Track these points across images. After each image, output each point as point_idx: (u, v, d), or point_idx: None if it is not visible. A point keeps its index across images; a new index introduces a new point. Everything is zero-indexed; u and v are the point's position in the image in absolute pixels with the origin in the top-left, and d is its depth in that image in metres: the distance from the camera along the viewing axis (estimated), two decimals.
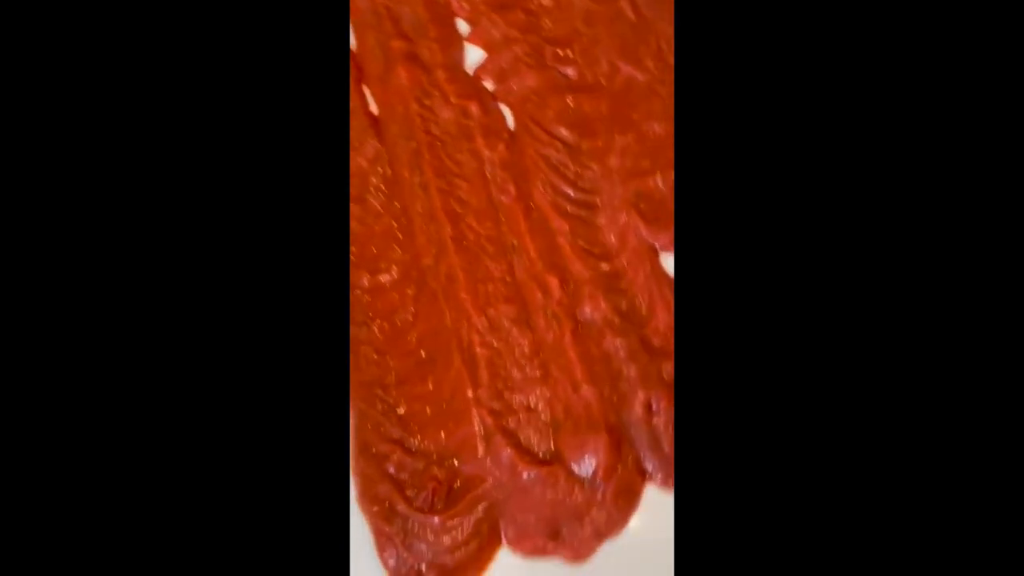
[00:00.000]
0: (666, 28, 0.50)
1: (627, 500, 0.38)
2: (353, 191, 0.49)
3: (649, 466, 0.39)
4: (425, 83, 0.54)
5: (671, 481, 0.39)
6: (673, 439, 0.39)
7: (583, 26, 0.55)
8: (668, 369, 0.41)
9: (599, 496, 0.38)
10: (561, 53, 0.54)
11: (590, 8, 0.56)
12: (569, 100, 0.52)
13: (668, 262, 0.46)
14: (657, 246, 0.46)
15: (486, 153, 0.51)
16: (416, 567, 0.37)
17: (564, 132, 0.51)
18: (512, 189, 0.49)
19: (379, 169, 0.51)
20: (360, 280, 0.46)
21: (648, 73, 0.50)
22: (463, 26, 0.56)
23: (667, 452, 0.39)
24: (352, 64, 0.56)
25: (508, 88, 0.54)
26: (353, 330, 0.44)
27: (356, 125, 0.53)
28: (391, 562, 0.37)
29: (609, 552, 0.37)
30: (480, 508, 0.38)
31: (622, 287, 0.45)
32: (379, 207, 0.49)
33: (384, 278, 0.46)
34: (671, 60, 0.49)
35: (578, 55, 0.54)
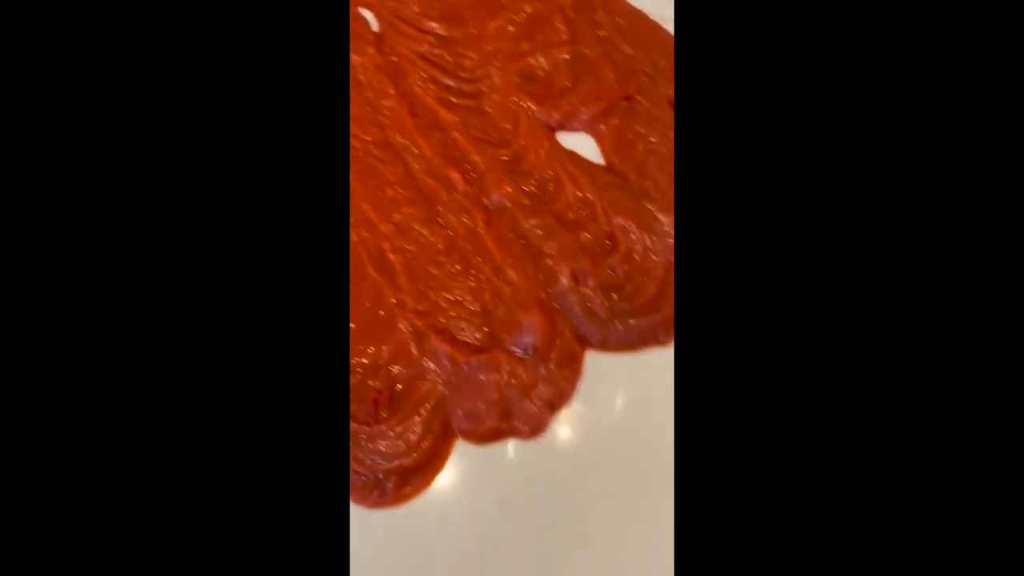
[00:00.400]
0: None
1: (572, 369, 0.39)
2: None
3: (586, 332, 0.39)
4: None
5: (612, 343, 0.39)
6: (603, 304, 0.40)
7: None
8: (586, 237, 0.41)
9: (543, 370, 0.38)
10: None
11: None
12: None
13: (565, 139, 0.45)
14: (551, 124, 0.45)
15: (355, 59, 0.48)
16: (375, 477, 0.36)
17: (433, 25, 0.49)
18: (391, 90, 0.46)
19: None
20: None
21: None
22: None
23: (601, 316, 0.39)
24: None
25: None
26: None
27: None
28: (354, 480, 0.36)
29: (563, 421, 0.38)
30: (427, 407, 0.37)
31: (525, 169, 0.44)
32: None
33: None
34: None
35: None
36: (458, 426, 0.37)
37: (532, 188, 0.43)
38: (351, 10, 0.50)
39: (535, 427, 0.37)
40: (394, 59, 0.48)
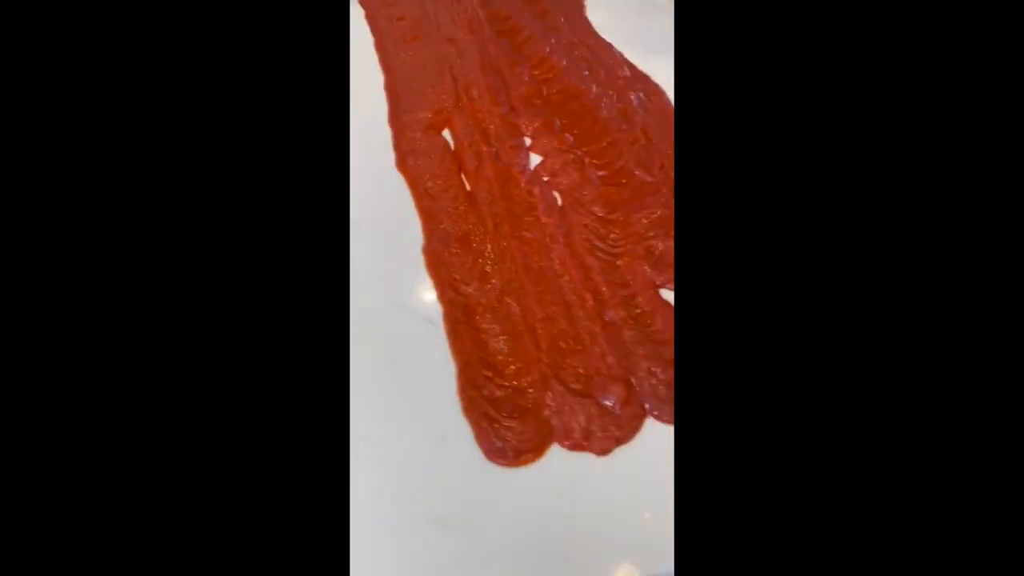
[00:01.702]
0: (667, 148, 0.80)
1: (635, 423, 0.62)
2: (459, 245, 0.76)
3: (648, 405, 0.63)
4: (503, 174, 0.83)
5: (664, 417, 0.63)
6: (665, 392, 0.64)
7: (610, 147, 0.85)
8: (663, 352, 0.66)
9: (617, 418, 0.62)
10: (596, 162, 0.84)
11: (616, 137, 0.86)
12: (600, 191, 0.81)
13: (665, 293, 0.72)
14: (657, 283, 0.73)
15: (543, 219, 0.78)
16: (501, 447, 0.60)
17: (597, 209, 0.79)
18: (561, 241, 0.76)
19: (473, 230, 0.78)
20: (463, 288, 0.71)
21: (654, 176, 0.79)
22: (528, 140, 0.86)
23: (661, 398, 0.63)
24: (452, 158, 0.85)
25: (558, 181, 0.82)
26: (465, 318, 0.69)
27: (456, 199, 0.80)
28: (485, 445, 0.60)
29: (622, 453, 0.61)
30: (542, 419, 0.62)
31: (634, 303, 0.71)
32: (476, 250, 0.75)
33: (470, 289, 0.71)
34: (671, 171, 0.79)
35: (607, 163, 0.84)
36: (556, 435, 0.61)
37: (636, 313, 0.69)
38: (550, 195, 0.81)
39: (602, 451, 0.60)
40: (568, 225, 0.78)
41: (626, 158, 0.84)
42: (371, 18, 1.07)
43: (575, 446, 0.61)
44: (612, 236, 0.77)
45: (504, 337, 0.67)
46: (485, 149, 0.85)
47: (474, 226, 0.77)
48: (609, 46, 1.00)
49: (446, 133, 0.89)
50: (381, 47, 1.01)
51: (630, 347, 0.67)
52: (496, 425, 0.61)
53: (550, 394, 0.63)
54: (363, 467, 0.58)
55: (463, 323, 0.68)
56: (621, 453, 0.61)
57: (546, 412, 0.62)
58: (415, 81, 0.95)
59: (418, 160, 0.84)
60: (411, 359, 0.66)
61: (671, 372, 0.65)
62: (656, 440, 0.62)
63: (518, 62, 0.99)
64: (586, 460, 0.60)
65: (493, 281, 0.72)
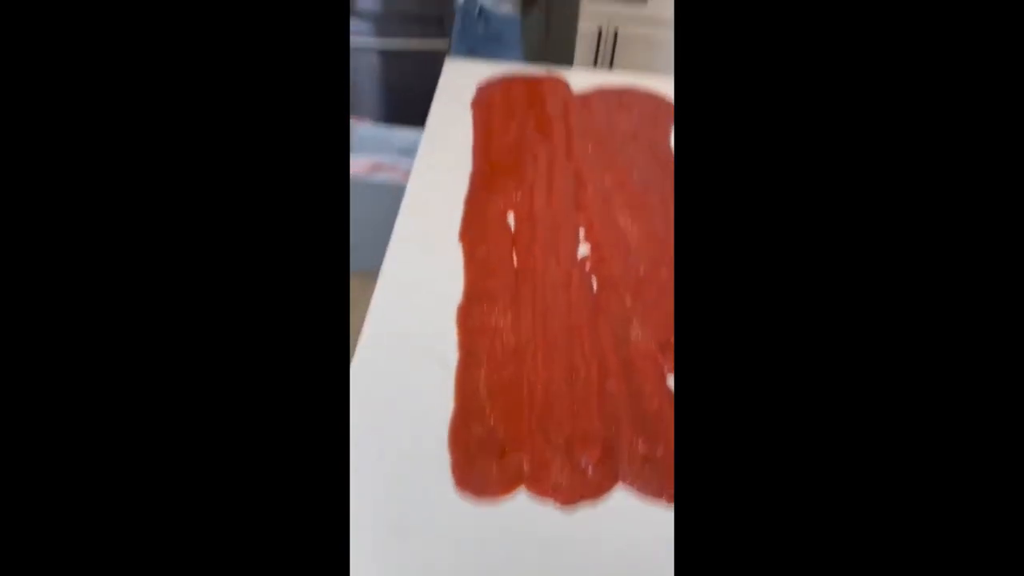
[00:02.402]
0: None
1: (604, 485, 0.64)
2: (489, 304, 0.84)
3: (621, 473, 0.66)
4: (549, 258, 0.91)
5: (634, 486, 0.65)
6: (640, 465, 0.66)
7: (653, 251, 0.91)
8: (652, 428, 0.69)
9: (589, 476, 0.65)
10: (639, 260, 0.90)
11: (664, 242, 0.92)
12: (637, 284, 0.86)
13: (669, 378, 0.75)
14: (666, 368, 0.76)
15: (574, 298, 0.85)
16: (471, 479, 0.64)
17: (628, 299, 0.85)
18: (584, 317, 0.82)
19: (508, 294, 0.86)
20: (483, 341, 0.78)
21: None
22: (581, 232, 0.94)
23: (635, 468, 0.66)
24: (509, 237, 0.95)
25: (599, 269, 0.89)
26: (474, 364, 0.75)
27: (501, 270, 0.89)
28: (457, 475, 0.65)
29: (585, 511, 0.63)
30: (516, 463, 0.66)
31: (637, 380, 0.74)
32: (504, 310, 0.83)
33: (497, 343, 0.78)
34: None
35: (649, 263, 0.90)
36: (526, 481, 0.65)
37: (634, 390, 0.73)
38: (590, 281, 0.88)
39: (567, 502, 0.63)
40: (598, 305, 0.84)
41: (668, 263, 0.90)
42: (476, 114, 1.23)
43: (541, 492, 0.64)
44: (635, 324, 0.82)
45: (504, 388, 0.73)
46: (539, 233, 0.94)
47: (509, 292, 0.85)
48: None
49: (511, 216, 0.99)
50: (478, 141, 1.16)
51: (620, 416, 0.70)
52: (473, 460, 0.66)
53: (531, 443, 0.67)
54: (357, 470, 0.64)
55: (471, 370, 0.74)
56: (585, 512, 0.63)
57: (521, 458, 0.66)
58: (497, 174, 1.07)
59: (477, 233, 0.94)
60: (419, 392, 0.72)
61: (656, 449, 0.67)
62: (622, 509, 0.63)
63: (597, 168, 1.09)
64: (549, 511, 0.63)
65: (509, 339, 0.78)
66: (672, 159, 1.13)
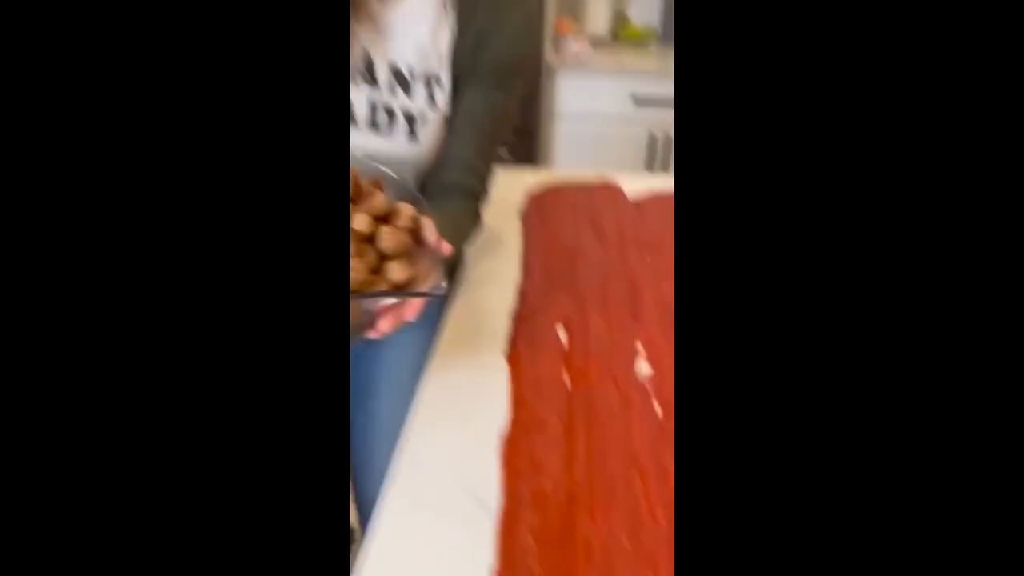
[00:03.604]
0: None
1: None
2: (536, 429, 0.74)
3: None
4: (605, 379, 0.81)
5: None
6: None
7: None
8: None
9: None
10: None
11: None
12: None
13: None
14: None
15: (635, 425, 0.74)
16: None
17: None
18: (647, 451, 0.71)
19: (560, 423, 0.76)
20: (530, 481, 0.68)
21: None
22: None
23: None
24: (562, 357, 0.86)
25: (663, 392, 0.79)
26: (520, 510, 0.65)
27: (558, 400, 0.80)
28: None
29: None
30: None
31: None
32: (556, 441, 0.73)
33: (547, 483, 0.68)
34: None
35: None
36: None
37: None
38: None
39: None
40: (663, 434, 0.73)
41: None
42: (525, 225, 1.18)
43: None
44: None
45: (556, 540, 0.62)
46: (593, 349, 0.85)
47: (560, 420, 0.75)
48: None
49: (562, 333, 0.90)
50: (527, 252, 1.10)
51: None
52: None
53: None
54: None
55: (518, 517, 0.64)
56: None
57: None
58: (547, 286, 1.00)
59: (527, 353, 0.86)
60: (451, 547, 0.62)
61: None
62: None
63: (652, 276, 1.01)
64: None
65: (560, 478, 0.68)
66: None
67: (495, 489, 0.67)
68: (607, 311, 0.94)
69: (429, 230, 0.72)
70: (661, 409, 0.77)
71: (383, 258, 0.70)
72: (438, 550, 0.62)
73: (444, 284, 0.68)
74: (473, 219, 0.97)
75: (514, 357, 0.85)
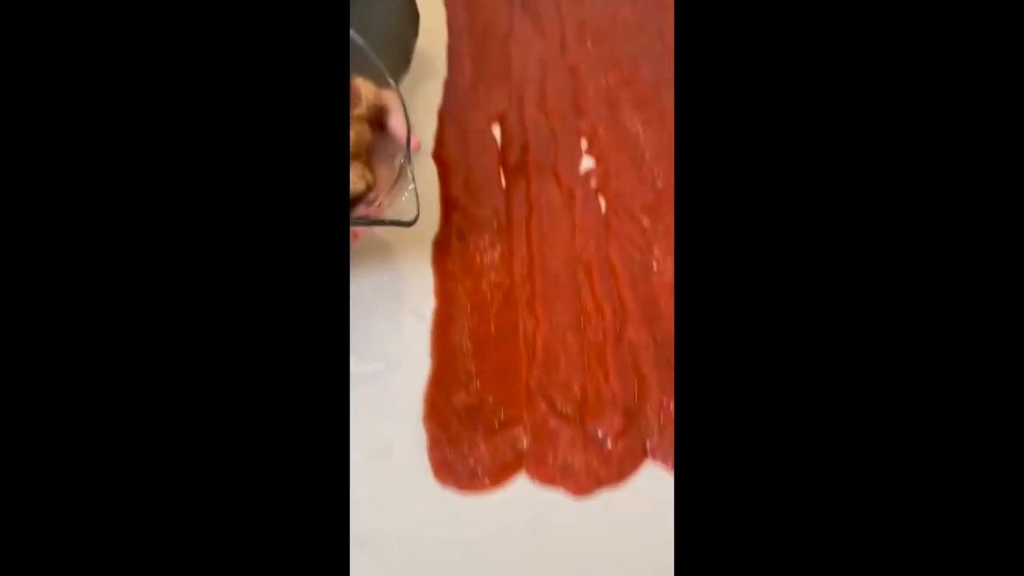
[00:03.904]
0: None
1: (628, 464, 0.50)
2: (475, 230, 0.67)
3: (650, 444, 0.51)
4: (545, 173, 0.74)
5: (668, 461, 0.50)
6: (674, 431, 0.51)
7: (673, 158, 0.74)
8: None
9: (607, 453, 0.50)
10: (656, 171, 0.73)
11: None
12: (653, 200, 0.70)
13: None
14: None
15: (579, 222, 0.68)
16: (453, 464, 0.49)
17: (645, 219, 0.68)
18: (593, 247, 0.65)
19: (495, 221, 0.69)
20: (466, 283, 0.62)
21: None
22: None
23: (669, 437, 0.50)
24: (496, 153, 0.77)
25: (608, 185, 0.72)
26: (454, 311, 0.60)
27: (486, 193, 0.72)
28: (436, 458, 0.50)
29: (604, 498, 0.48)
30: (512, 439, 0.51)
31: (661, 324, 0.58)
32: (492, 240, 0.67)
33: (484, 284, 0.62)
34: None
35: (668, 173, 0.73)
36: (527, 463, 0.50)
37: (659, 336, 0.57)
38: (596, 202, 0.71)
39: (579, 491, 0.48)
40: (607, 231, 0.67)
41: None
42: (451, 19, 1.04)
43: (546, 479, 0.49)
44: (656, 250, 0.65)
45: (496, 340, 0.57)
46: (531, 145, 0.77)
47: (496, 220, 0.68)
48: None
49: (497, 131, 0.81)
50: (453, 42, 0.97)
51: (644, 372, 0.55)
52: (456, 437, 0.51)
53: (530, 411, 0.52)
54: None
55: (453, 320, 0.59)
56: (605, 498, 0.48)
57: (521, 432, 0.51)
58: (480, 82, 0.89)
59: (458, 150, 0.77)
60: (387, 354, 0.57)
61: None
62: (654, 490, 0.49)
63: (597, 65, 0.91)
64: (559, 501, 0.48)
65: (498, 279, 0.62)
66: None
67: (429, 295, 0.61)
68: (545, 105, 0.85)
69: (396, 116, 0.57)
70: (605, 202, 0.71)
71: None
72: (373, 357, 0.56)
73: (415, 206, 0.53)
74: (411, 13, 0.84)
75: (443, 158, 0.77)
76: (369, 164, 0.57)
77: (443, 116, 0.83)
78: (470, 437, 0.51)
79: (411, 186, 0.54)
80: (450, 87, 0.88)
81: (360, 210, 0.54)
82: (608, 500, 0.48)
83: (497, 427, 0.52)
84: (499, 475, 0.49)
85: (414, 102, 0.72)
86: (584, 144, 0.78)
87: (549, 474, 0.49)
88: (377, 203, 0.53)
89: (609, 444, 0.50)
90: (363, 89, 0.57)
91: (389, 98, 0.59)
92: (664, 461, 0.50)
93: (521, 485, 0.49)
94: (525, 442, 0.51)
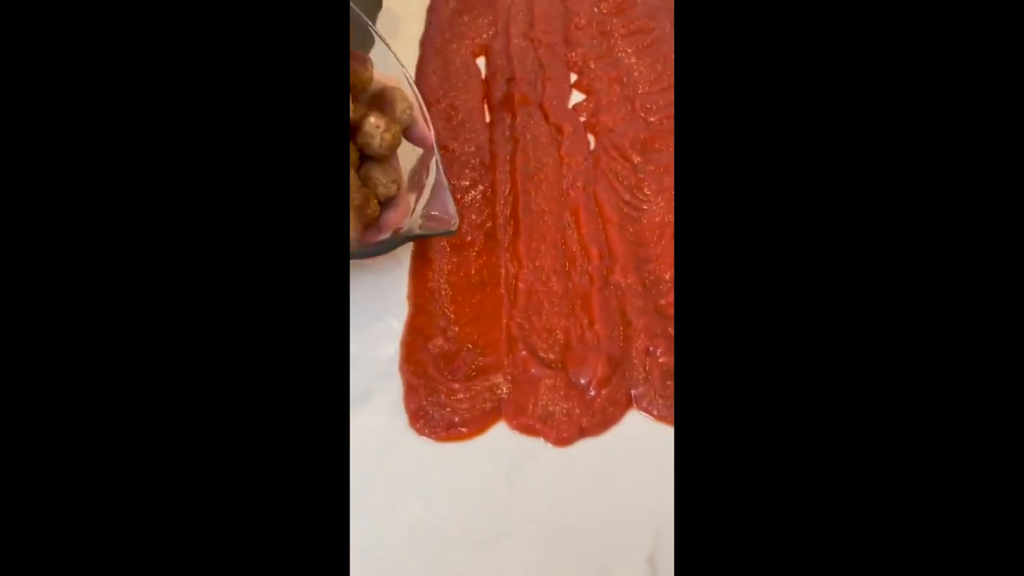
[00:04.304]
0: None
1: (612, 413, 0.48)
2: (456, 169, 0.64)
3: (635, 393, 0.49)
4: (531, 107, 0.70)
5: (653, 410, 0.48)
6: (660, 382, 0.49)
7: (668, 91, 0.70)
8: (670, 328, 0.51)
9: (589, 401, 0.48)
10: (652, 105, 0.69)
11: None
12: (645, 136, 0.66)
13: None
14: None
15: (566, 159, 0.65)
16: (429, 413, 0.47)
17: (635, 156, 0.65)
18: (580, 186, 0.62)
19: (477, 158, 0.66)
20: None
21: None
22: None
23: (655, 386, 0.48)
24: (480, 85, 0.73)
25: (598, 120, 0.68)
26: (431, 253, 0.57)
27: (469, 127, 0.68)
28: (411, 406, 0.48)
29: (585, 447, 0.46)
30: (491, 386, 0.49)
31: (650, 268, 0.56)
32: (474, 179, 0.63)
33: (464, 224, 0.59)
34: None
35: (662, 107, 0.69)
36: (506, 411, 0.48)
37: (648, 280, 0.54)
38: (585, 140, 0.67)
39: (560, 440, 0.46)
40: (596, 170, 0.64)
41: None
42: None
43: (526, 428, 0.47)
44: (647, 189, 0.62)
45: (476, 284, 0.55)
46: (517, 78, 0.73)
47: (479, 155, 0.65)
48: None
49: (481, 62, 0.77)
50: None
51: (630, 318, 0.52)
52: (433, 384, 0.49)
53: (510, 358, 0.50)
54: None
55: (431, 263, 0.56)
56: (586, 448, 0.47)
57: (500, 379, 0.49)
58: (464, 9, 0.84)
59: (439, 83, 0.73)
60: (364, 291, 0.54)
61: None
62: (638, 440, 0.47)
63: None
64: (539, 448, 0.46)
65: (480, 219, 0.59)
66: None
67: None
68: (533, 35, 0.80)
69: (421, 116, 0.56)
70: (595, 139, 0.67)
71: (363, 159, 0.53)
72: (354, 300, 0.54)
73: (453, 209, 0.53)
74: None
75: (424, 91, 0.72)
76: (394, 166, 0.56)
77: (424, 46, 0.78)
78: (447, 384, 0.49)
79: (451, 208, 0.53)
80: (432, 15, 0.82)
81: (391, 219, 0.53)
82: (590, 448, 0.46)
83: (475, 374, 0.49)
84: (477, 424, 0.47)
85: (394, 31, 0.67)
86: (573, 77, 0.74)
87: (530, 423, 0.47)
88: (413, 210, 0.53)
89: (592, 392, 0.48)
90: (395, 93, 0.56)
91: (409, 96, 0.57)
92: (648, 410, 0.48)
93: (500, 434, 0.47)
94: (505, 389, 0.49)
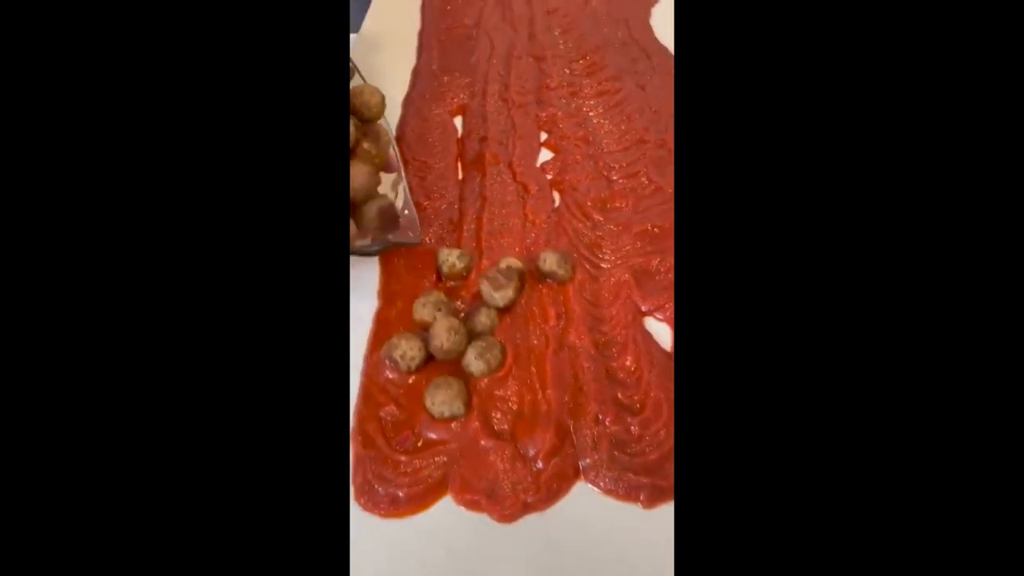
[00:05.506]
0: None
1: (558, 486, 0.40)
2: (423, 227, 0.57)
3: (583, 464, 0.41)
4: (500, 165, 0.63)
5: (600, 482, 0.40)
6: (608, 452, 0.41)
7: (634, 148, 0.62)
8: (622, 396, 0.44)
9: (536, 474, 0.40)
10: (616, 165, 0.62)
11: (641, 138, 0.64)
12: (606, 195, 0.59)
13: (651, 325, 0.49)
14: (643, 308, 0.50)
15: (530, 216, 0.57)
16: (375, 488, 0.40)
17: (596, 215, 0.57)
18: (541, 243, 0.55)
19: (446, 216, 0.58)
20: (408, 282, 0.52)
21: (670, 186, 0.57)
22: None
23: (603, 457, 0.41)
24: (455, 142, 0.66)
25: (563, 179, 0.61)
26: (394, 317, 0.49)
27: (450, 180, 0.61)
28: (358, 480, 0.40)
29: (531, 523, 0.39)
30: (438, 461, 0.41)
31: (604, 329, 0.48)
32: (441, 236, 0.56)
33: (426, 282, 0.52)
34: None
35: (624, 167, 0.61)
36: (452, 485, 0.40)
37: (600, 342, 0.47)
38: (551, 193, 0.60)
39: (504, 517, 0.39)
40: (558, 228, 0.56)
41: (646, 164, 0.62)
42: (424, 4, 0.91)
43: (471, 504, 0.39)
44: (605, 248, 0.55)
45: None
46: (490, 137, 0.65)
47: (447, 214, 0.58)
48: (669, 54, 0.78)
49: (458, 121, 0.70)
50: (425, 34, 0.85)
51: (582, 383, 0.44)
52: (378, 454, 0.41)
53: (456, 424, 0.42)
54: None
55: (391, 325, 0.48)
56: (530, 524, 0.39)
57: (444, 455, 0.41)
58: (445, 71, 0.77)
59: (417, 141, 0.66)
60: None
61: (629, 427, 0.42)
62: (585, 512, 0.39)
63: (561, 54, 0.79)
64: (481, 527, 0.39)
65: (450, 272, 0.52)
66: (652, 37, 0.82)
67: (372, 297, 0.51)
68: (508, 95, 0.73)
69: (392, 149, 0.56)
70: (560, 196, 0.60)
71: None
72: None
73: (416, 224, 0.53)
74: None
75: (402, 149, 0.65)
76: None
77: (407, 104, 0.71)
78: (393, 455, 0.41)
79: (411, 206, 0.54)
80: (418, 74, 0.76)
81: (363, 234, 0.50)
82: (534, 524, 0.39)
83: (423, 446, 0.42)
84: (423, 501, 0.40)
85: (384, 86, 0.60)
86: (544, 136, 0.67)
87: (474, 499, 0.39)
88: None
89: (540, 464, 0.40)
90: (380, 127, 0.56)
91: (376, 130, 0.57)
92: (596, 482, 0.40)
93: (446, 508, 0.39)
94: (452, 463, 0.41)
